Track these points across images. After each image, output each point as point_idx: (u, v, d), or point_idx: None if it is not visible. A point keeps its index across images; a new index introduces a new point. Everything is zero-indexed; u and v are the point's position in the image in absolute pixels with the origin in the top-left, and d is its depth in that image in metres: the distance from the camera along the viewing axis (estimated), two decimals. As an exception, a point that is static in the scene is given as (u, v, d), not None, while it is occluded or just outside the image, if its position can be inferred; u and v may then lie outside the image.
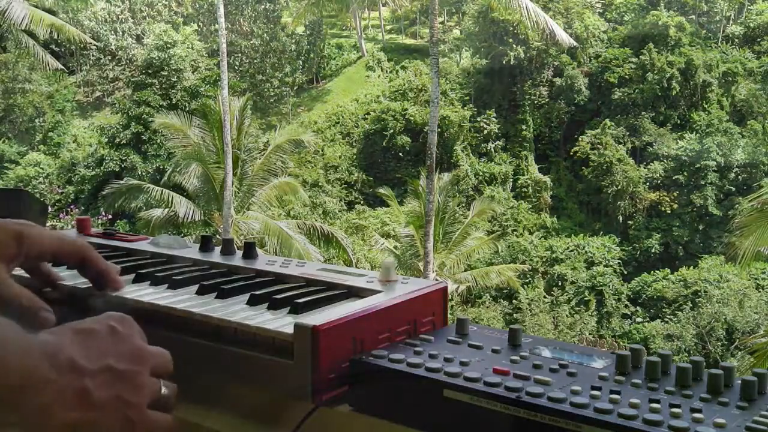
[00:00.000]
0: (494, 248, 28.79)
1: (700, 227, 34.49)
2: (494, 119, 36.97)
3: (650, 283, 30.08)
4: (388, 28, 50.42)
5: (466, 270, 23.39)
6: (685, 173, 34.91)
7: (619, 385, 0.85)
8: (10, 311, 0.82)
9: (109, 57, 40.70)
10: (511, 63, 37.10)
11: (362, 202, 35.18)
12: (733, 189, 34.38)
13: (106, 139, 33.45)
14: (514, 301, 28.84)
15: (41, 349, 0.67)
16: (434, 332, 1.06)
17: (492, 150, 36.85)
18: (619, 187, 34.99)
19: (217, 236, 16.22)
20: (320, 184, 34.89)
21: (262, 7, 40.41)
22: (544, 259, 31.40)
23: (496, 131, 37.00)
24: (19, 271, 0.92)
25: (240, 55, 39.26)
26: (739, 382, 0.84)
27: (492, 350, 0.96)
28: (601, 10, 43.06)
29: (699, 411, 0.78)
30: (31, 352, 0.66)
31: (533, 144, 37.69)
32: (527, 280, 29.82)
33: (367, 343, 0.97)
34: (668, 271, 30.62)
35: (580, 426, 0.76)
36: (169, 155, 27.43)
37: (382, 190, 26.21)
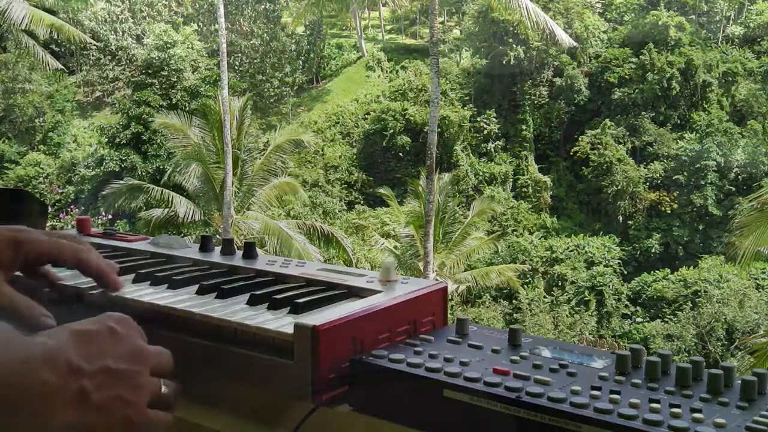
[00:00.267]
0: (494, 248, 28.79)
1: (700, 227, 34.49)
2: (494, 119, 36.98)
3: (650, 283, 30.09)
4: (388, 28, 50.42)
5: (466, 270, 23.39)
6: (685, 173, 34.91)
7: (619, 385, 0.85)
8: (9, 319, 0.82)
9: (109, 57, 40.70)
10: (511, 63, 37.11)
11: (362, 202, 35.19)
12: (733, 189, 34.38)
13: (106, 139, 33.44)
14: (514, 301, 28.84)
15: (39, 352, 0.67)
16: (434, 332, 1.05)
17: (492, 150, 36.86)
18: (619, 187, 35.00)
19: (217, 236, 16.22)
20: (320, 184, 34.90)
21: (262, 7, 40.41)
22: (544, 259, 31.41)
23: (496, 131, 37.01)
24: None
25: (240, 55, 39.26)
26: (739, 382, 0.83)
27: (492, 350, 0.96)
28: (601, 10, 43.08)
29: (699, 411, 0.78)
30: (29, 355, 0.66)
31: (533, 144, 37.70)
32: (527, 280, 29.82)
33: (367, 343, 0.97)
34: (668, 271, 30.63)
35: (580, 426, 0.76)
36: (169, 155, 27.43)
37: (382, 190, 26.21)
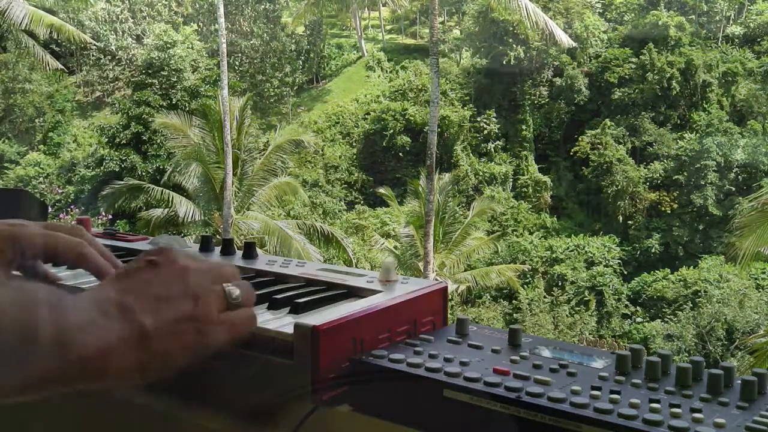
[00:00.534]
0: (494, 248, 28.78)
1: (700, 227, 34.49)
2: (494, 119, 36.98)
3: (650, 283, 30.10)
4: (388, 28, 50.42)
5: (466, 270, 23.38)
6: (685, 173, 34.92)
7: (619, 385, 0.85)
8: None
9: (109, 57, 40.70)
10: (511, 63, 37.11)
11: (362, 202, 35.19)
12: (733, 189, 34.39)
13: (106, 139, 33.41)
14: (514, 301, 28.84)
15: (87, 303, 0.68)
16: (434, 332, 1.05)
17: (492, 150, 36.86)
18: (619, 187, 35.00)
19: (217, 236, 16.23)
20: (320, 184, 34.90)
21: (262, 7, 40.41)
22: (544, 259, 31.41)
23: (496, 131, 37.01)
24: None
25: (240, 55, 39.27)
26: (739, 382, 0.83)
27: (492, 350, 0.96)
28: (601, 10, 43.08)
29: (699, 411, 0.78)
30: (79, 307, 0.67)
31: (533, 144, 37.70)
32: (527, 280, 29.82)
33: (367, 343, 0.97)
34: (668, 271, 30.64)
35: (580, 426, 0.76)
36: (169, 155, 27.41)
37: (382, 190, 26.22)
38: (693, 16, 41.16)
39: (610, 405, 0.78)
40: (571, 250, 31.49)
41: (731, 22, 42.07)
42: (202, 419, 1.00)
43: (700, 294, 27.72)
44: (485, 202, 27.08)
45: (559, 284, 29.73)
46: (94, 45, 35.02)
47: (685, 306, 27.51)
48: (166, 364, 0.71)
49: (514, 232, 34.00)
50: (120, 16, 41.09)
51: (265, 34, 39.73)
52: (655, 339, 26.27)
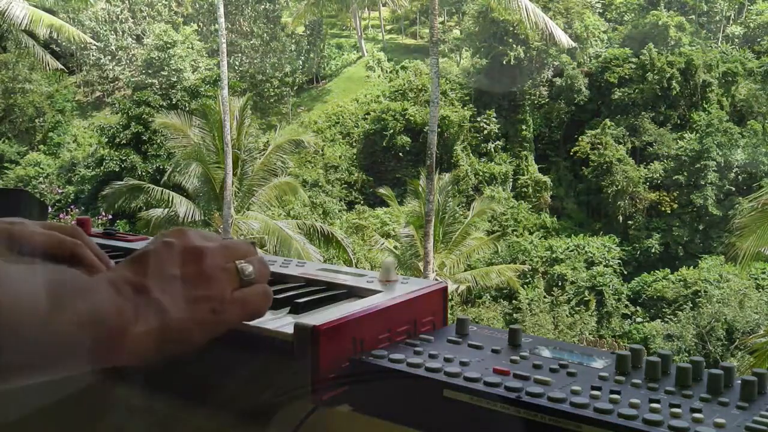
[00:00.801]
0: (494, 248, 28.78)
1: (700, 227, 34.50)
2: (494, 119, 36.98)
3: (650, 283, 30.10)
4: (388, 28, 50.44)
5: (466, 270, 23.39)
6: (685, 173, 34.92)
7: (619, 385, 0.85)
8: None
9: (109, 57, 40.71)
10: (511, 63, 37.11)
11: (362, 202, 35.19)
12: (733, 189, 34.40)
13: (106, 139, 33.44)
14: (514, 301, 28.85)
15: (104, 283, 0.69)
16: (434, 332, 1.05)
17: (492, 150, 36.87)
18: (619, 187, 35.01)
19: (217, 236, 16.18)
20: (320, 184, 34.90)
21: (262, 7, 40.42)
22: (544, 259, 31.42)
23: (496, 131, 37.02)
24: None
25: (240, 55, 39.27)
26: (739, 382, 0.83)
27: (492, 350, 0.96)
28: (601, 10, 43.11)
29: (699, 411, 0.78)
30: (95, 288, 0.68)
31: (533, 144, 37.71)
32: (527, 280, 29.83)
33: (367, 343, 0.97)
34: (668, 271, 30.64)
35: (580, 426, 0.76)
36: (169, 155, 27.44)
37: (382, 190, 26.22)
38: (693, 16, 41.19)
39: (610, 405, 0.78)
40: (571, 250, 31.50)
41: (731, 22, 42.10)
42: (202, 419, 1.00)
43: (700, 294, 27.72)
44: (485, 202, 27.09)
45: (559, 284, 29.74)
46: (94, 45, 35.02)
47: (685, 306, 27.51)
48: (181, 342, 0.72)
49: (514, 232, 34.00)
50: (120, 16, 41.10)
51: (265, 34, 39.73)
52: (655, 339, 26.27)
